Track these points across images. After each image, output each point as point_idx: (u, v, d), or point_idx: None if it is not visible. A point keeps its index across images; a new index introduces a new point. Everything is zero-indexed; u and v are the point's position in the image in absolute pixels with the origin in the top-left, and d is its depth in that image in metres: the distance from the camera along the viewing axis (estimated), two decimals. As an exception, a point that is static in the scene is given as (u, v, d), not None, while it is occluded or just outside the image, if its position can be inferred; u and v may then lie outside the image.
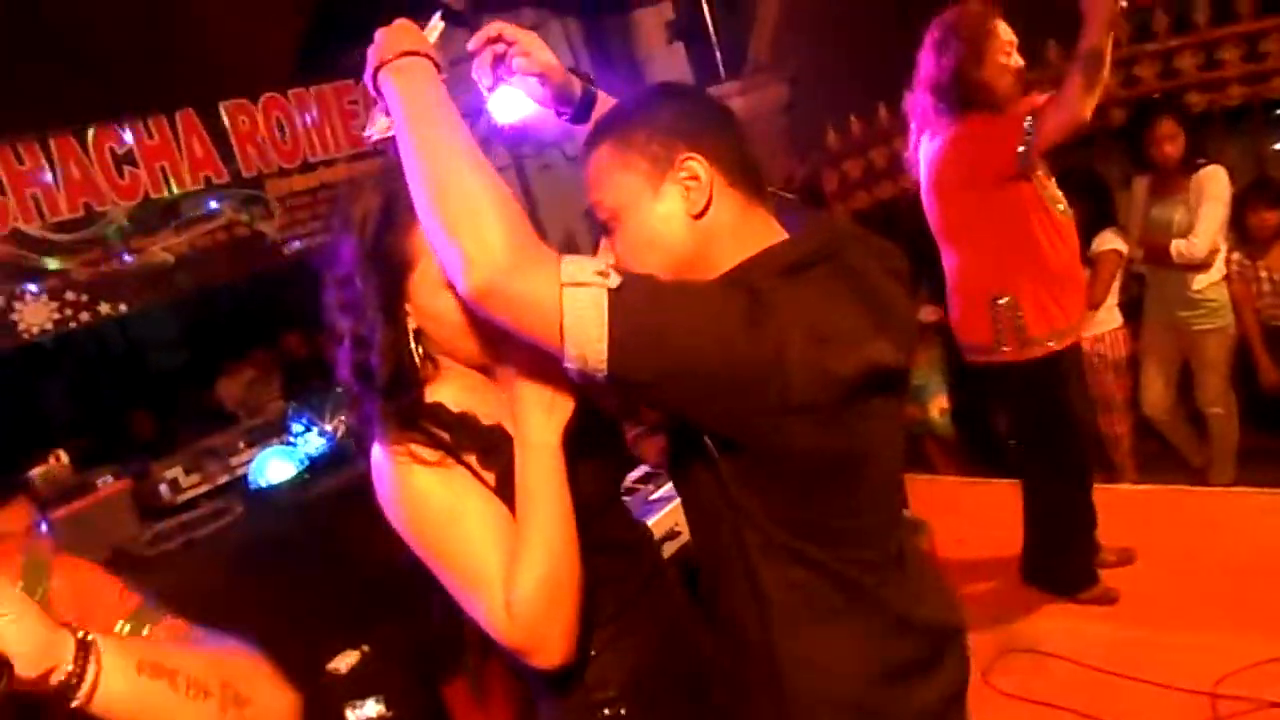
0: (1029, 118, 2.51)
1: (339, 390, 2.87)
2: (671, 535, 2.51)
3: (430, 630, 2.91)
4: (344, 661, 2.72)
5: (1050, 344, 2.72)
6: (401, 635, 2.86)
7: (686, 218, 1.21)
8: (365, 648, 2.75)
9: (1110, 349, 3.70)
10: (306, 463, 3.31)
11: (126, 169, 3.77)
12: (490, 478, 1.23)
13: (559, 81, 1.43)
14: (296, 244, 4.25)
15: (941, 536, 3.42)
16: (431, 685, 2.91)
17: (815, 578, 1.22)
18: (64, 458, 3.64)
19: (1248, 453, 3.67)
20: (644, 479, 2.81)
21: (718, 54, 4.79)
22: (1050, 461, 2.87)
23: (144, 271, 3.86)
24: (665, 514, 2.56)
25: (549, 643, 1.17)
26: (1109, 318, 3.70)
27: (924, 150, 2.75)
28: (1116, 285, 3.69)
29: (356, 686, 2.65)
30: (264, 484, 3.25)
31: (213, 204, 4.02)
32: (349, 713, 2.59)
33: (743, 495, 1.20)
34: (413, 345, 1.27)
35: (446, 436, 1.22)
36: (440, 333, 1.28)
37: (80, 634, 0.88)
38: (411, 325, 1.27)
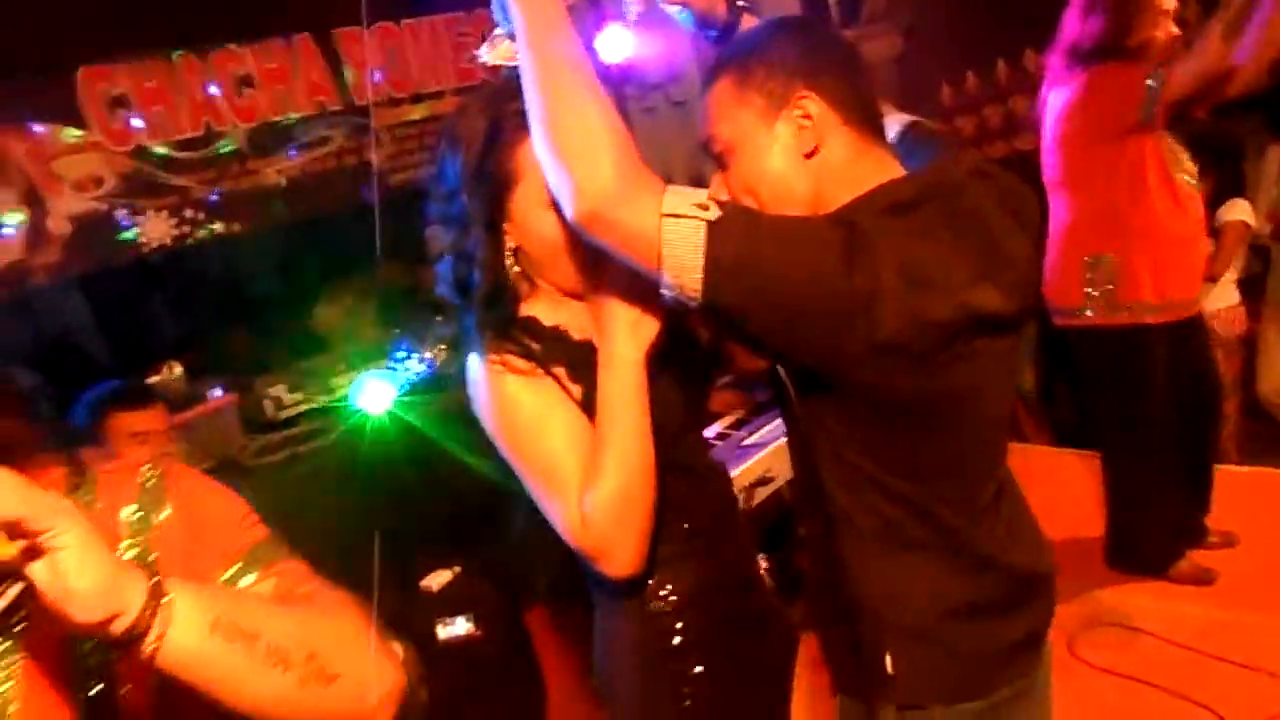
0: (1158, 65, 2.40)
1: (439, 319, 2.97)
2: (764, 481, 2.53)
3: (517, 556, 3.02)
4: (436, 580, 2.82)
5: (1144, 315, 2.62)
6: (491, 558, 2.95)
7: (798, 156, 1.22)
8: (457, 568, 2.85)
9: (1224, 326, 3.56)
10: (406, 387, 3.39)
11: (246, 91, 3.87)
12: (577, 391, 1.31)
13: (706, 3, 1.43)
14: (403, 174, 4.32)
15: (1032, 506, 3.38)
16: (516, 608, 3.00)
17: (899, 510, 1.25)
18: (178, 369, 3.79)
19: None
20: (737, 424, 2.82)
21: (830, 3, 4.67)
22: (1130, 439, 2.79)
23: (258, 193, 3.97)
24: (757, 460, 2.57)
25: (618, 551, 1.24)
26: (1226, 294, 3.56)
27: (1052, 99, 2.66)
28: (1238, 261, 3.53)
29: (447, 604, 2.74)
30: (364, 406, 3.34)
31: (325, 131, 4.10)
32: (439, 629, 2.69)
33: (831, 426, 1.22)
34: (510, 261, 1.31)
35: (537, 348, 1.30)
36: (537, 250, 1.33)
37: (154, 579, 0.76)
38: (510, 243, 1.32)
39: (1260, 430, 3.75)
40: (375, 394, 3.38)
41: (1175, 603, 2.78)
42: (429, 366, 3.34)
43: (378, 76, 4.20)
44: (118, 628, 0.73)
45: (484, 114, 1.33)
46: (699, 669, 1.38)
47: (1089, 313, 2.67)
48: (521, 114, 1.26)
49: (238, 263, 6.91)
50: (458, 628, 2.69)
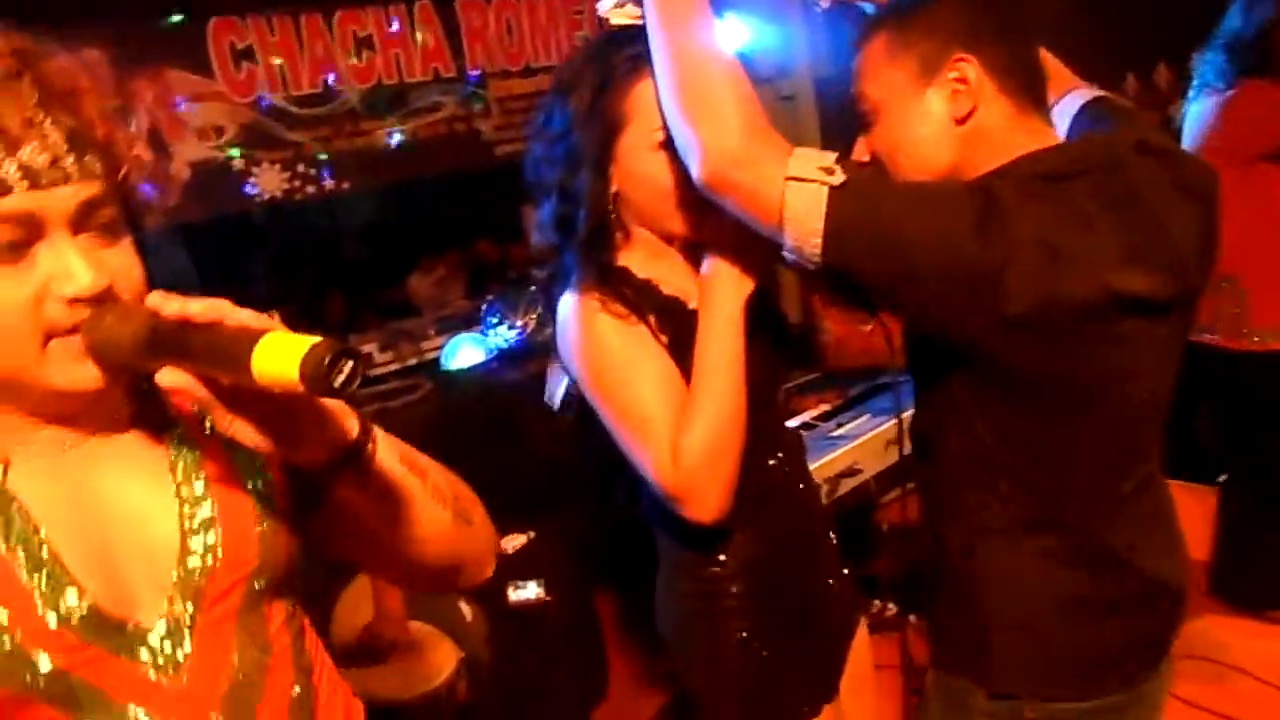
0: None
1: (532, 289, 3.01)
2: (851, 472, 2.48)
3: (590, 526, 3.02)
4: (511, 543, 2.84)
5: (1271, 342, 2.49)
6: (567, 526, 2.97)
7: (948, 121, 1.19)
8: (532, 533, 2.87)
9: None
10: (496, 352, 3.43)
11: (365, 52, 3.95)
12: (664, 340, 1.31)
13: None
14: (508, 146, 4.37)
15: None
16: (587, 580, 3.01)
17: (1023, 495, 1.20)
18: (277, 318, 3.90)
19: None
20: (826, 416, 2.77)
21: None
22: (1250, 468, 2.66)
23: (370, 154, 4.05)
24: (845, 450, 2.52)
25: (707, 495, 1.24)
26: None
27: (1194, 109, 2.54)
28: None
29: (520, 568, 2.76)
30: (454, 368, 3.40)
31: (437, 97, 4.17)
32: (510, 590, 2.70)
33: (961, 400, 1.18)
34: (610, 207, 1.32)
35: (630, 295, 1.31)
36: (642, 194, 1.32)
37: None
38: (613, 188, 1.31)
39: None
40: (465, 355, 3.45)
41: (1274, 642, 2.64)
42: (520, 334, 3.38)
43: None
44: (347, 439, 0.82)
45: (595, 60, 1.33)
46: (744, 634, 1.38)
47: (1214, 335, 2.55)
48: (633, 59, 1.27)
49: (342, 221, 7.11)
50: (529, 591, 2.70)
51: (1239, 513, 2.73)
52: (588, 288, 1.30)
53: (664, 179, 1.29)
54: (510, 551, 2.82)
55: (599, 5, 1.38)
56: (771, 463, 1.44)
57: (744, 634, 1.38)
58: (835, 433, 2.66)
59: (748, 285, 1.29)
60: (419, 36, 4.06)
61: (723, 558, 1.38)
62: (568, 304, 1.31)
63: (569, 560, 2.87)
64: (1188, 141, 2.56)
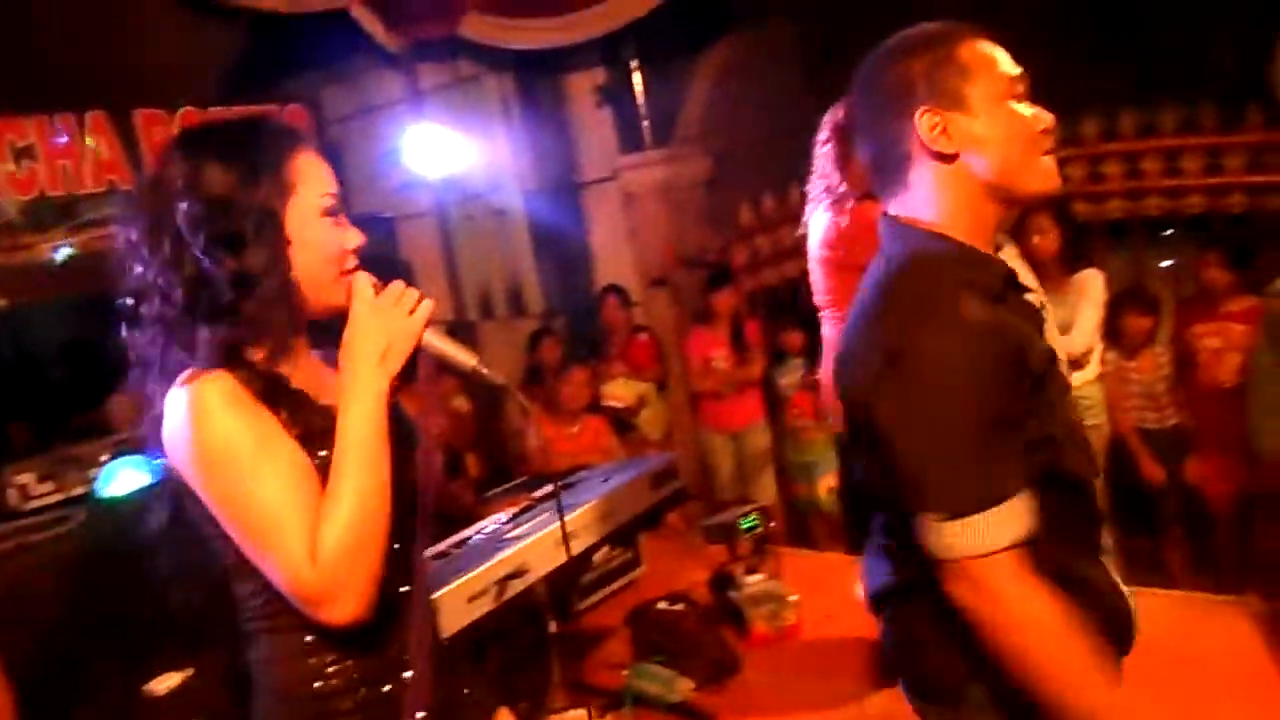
0: None
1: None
2: (518, 573, 2.45)
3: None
4: (163, 684, 2.59)
5: None
6: (232, 660, 2.74)
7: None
8: (190, 670, 2.63)
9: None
10: (162, 474, 3.18)
11: (25, 163, 3.70)
12: (295, 433, 1.20)
13: None
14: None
15: (810, 611, 3.41)
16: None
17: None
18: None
19: (1126, 552, 3.73)
20: (511, 519, 2.75)
21: (645, 122, 4.90)
22: None
23: (30, 268, 3.76)
24: (513, 552, 2.49)
25: (348, 593, 1.13)
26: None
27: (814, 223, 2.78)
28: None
29: (173, 712, 2.52)
30: (111, 494, 3.12)
31: (112, 209, 3.95)
32: (160, 736, 2.45)
33: None
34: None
35: (259, 385, 1.19)
36: (309, 263, 1.22)
37: None
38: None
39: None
40: (126, 480, 3.17)
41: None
42: (190, 454, 3.15)
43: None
44: None
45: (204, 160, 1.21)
46: None
47: None
48: (280, 134, 1.24)
49: (22, 348, 6.50)
50: (181, 735, 2.46)
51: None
52: (210, 373, 1.15)
53: (326, 245, 1.23)
54: (162, 693, 2.57)
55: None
56: (403, 590, 1.31)
57: None
58: (510, 534, 2.64)
59: (397, 360, 1.21)
60: (90, 147, 3.86)
61: (333, 680, 1.25)
62: (183, 392, 1.15)
63: (233, 699, 2.63)
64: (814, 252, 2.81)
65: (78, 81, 3.83)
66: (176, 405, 1.15)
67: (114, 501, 3.08)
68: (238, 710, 2.61)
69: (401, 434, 1.28)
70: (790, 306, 4.44)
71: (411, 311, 1.23)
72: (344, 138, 5.35)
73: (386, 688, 1.28)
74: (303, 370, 1.27)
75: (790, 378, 4.40)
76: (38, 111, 3.72)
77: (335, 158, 5.12)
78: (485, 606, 2.37)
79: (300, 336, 1.28)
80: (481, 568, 2.43)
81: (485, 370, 1.27)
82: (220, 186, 1.18)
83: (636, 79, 4.87)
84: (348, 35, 4.59)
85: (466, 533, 2.74)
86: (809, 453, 4.35)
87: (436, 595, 2.31)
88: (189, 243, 1.16)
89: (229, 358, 1.17)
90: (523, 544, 2.53)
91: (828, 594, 3.47)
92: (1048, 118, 1.20)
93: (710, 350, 4.47)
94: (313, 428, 1.21)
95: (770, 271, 4.44)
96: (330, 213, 1.23)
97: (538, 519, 2.71)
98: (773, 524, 3.62)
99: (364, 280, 1.24)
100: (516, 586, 2.46)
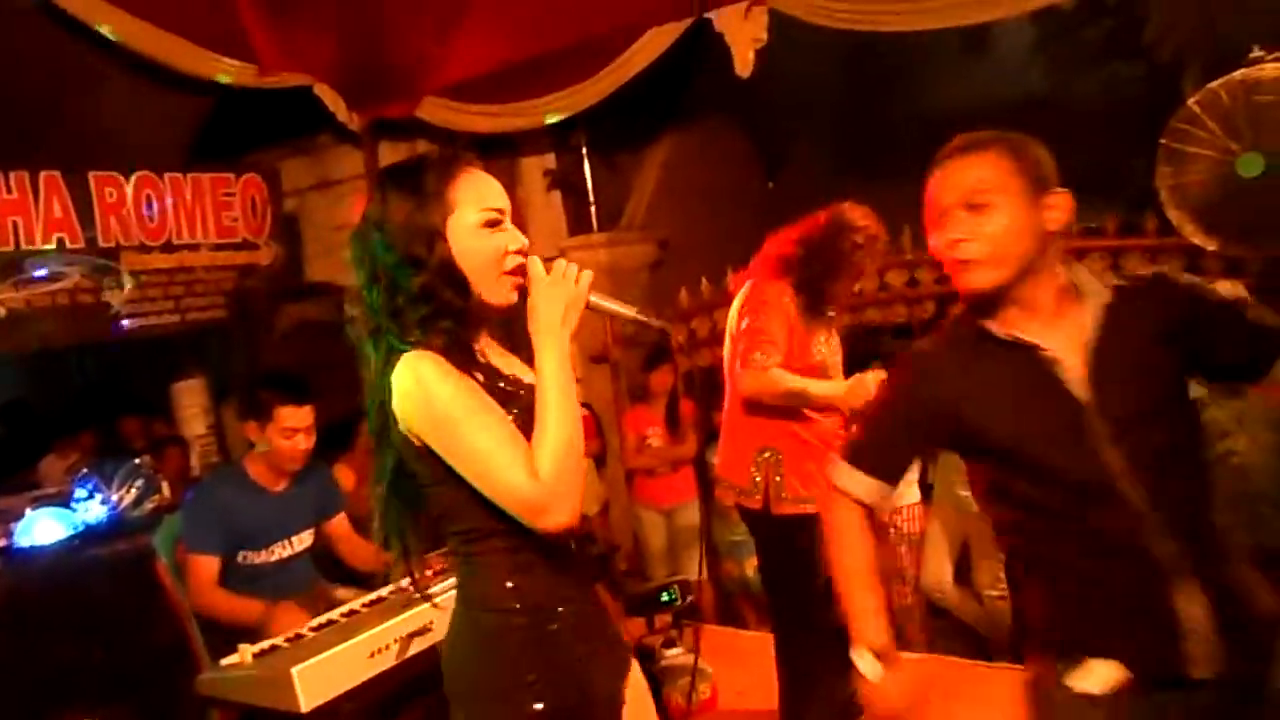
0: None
1: (135, 463, 2.93)
2: (422, 631, 2.48)
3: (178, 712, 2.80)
4: (64, 734, 2.58)
5: (803, 505, 2.78)
6: (145, 712, 2.73)
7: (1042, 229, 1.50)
8: (92, 721, 2.62)
9: (906, 522, 3.88)
10: (81, 529, 3.19)
11: (-24, 218, 3.78)
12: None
13: None
14: (142, 320, 4.25)
15: (726, 687, 3.45)
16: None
17: None
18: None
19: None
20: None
21: (593, 207, 5.08)
22: (796, 618, 2.93)
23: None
24: (422, 610, 2.52)
25: (564, 499, 1.37)
26: (908, 492, 3.89)
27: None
28: (917, 462, 3.89)
29: (71, 761, 2.50)
30: (28, 544, 3.11)
31: (61, 268, 4.02)
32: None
33: None
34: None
35: (459, 358, 1.45)
36: (472, 269, 1.46)
37: None
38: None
39: (940, 624, 4.01)
40: (44, 531, 3.18)
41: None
42: (111, 510, 3.17)
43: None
44: None
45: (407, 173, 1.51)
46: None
47: (757, 497, 2.84)
48: (443, 161, 1.49)
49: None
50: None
51: (792, 659, 2.97)
52: (423, 351, 1.41)
53: (488, 253, 1.45)
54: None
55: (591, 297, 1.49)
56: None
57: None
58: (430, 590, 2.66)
59: (576, 314, 1.44)
60: (43, 204, 3.94)
61: (519, 604, 1.47)
62: (408, 369, 1.40)
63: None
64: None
65: (34, 140, 3.94)
66: (403, 378, 1.40)
67: (30, 552, 3.08)
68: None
69: None
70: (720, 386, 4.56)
71: (576, 281, 1.46)
72: (302, 208, 5.49)
73: (575, 607, 1.53)
74: (488, 354, 1.52)
75: (722, 471, 4.48)
76: (-7, 168, 3.81)
77: (292, 228, 5.30)
78: (386, 663, 2.40)
79: (483, 327, 1.53)
80: (386, 624, 2.47)
81: (645, 317, 1.55)
82: (399, 215, 1.45)
83: (586, 166, 5.08)
84: (309, 111, 4.75)
85: (380, 591, 2.76)
86: (739, 532, 4.41)
87: (338, 649, 2.34)
88: (383, 264, 1.45)
89: (431, 342, 1.43)
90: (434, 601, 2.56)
91: (746, 670, 3.52)
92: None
93: (646, 427, 4.57)
94: (503, 393, 1.45)
95: (706, 352, 4.57)
96: (489, 224, 1.46)
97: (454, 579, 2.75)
98: (691, 598, 3.68)
99: (536, 263, 1.47)
100: (420, 644, 2.49)
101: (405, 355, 1.42)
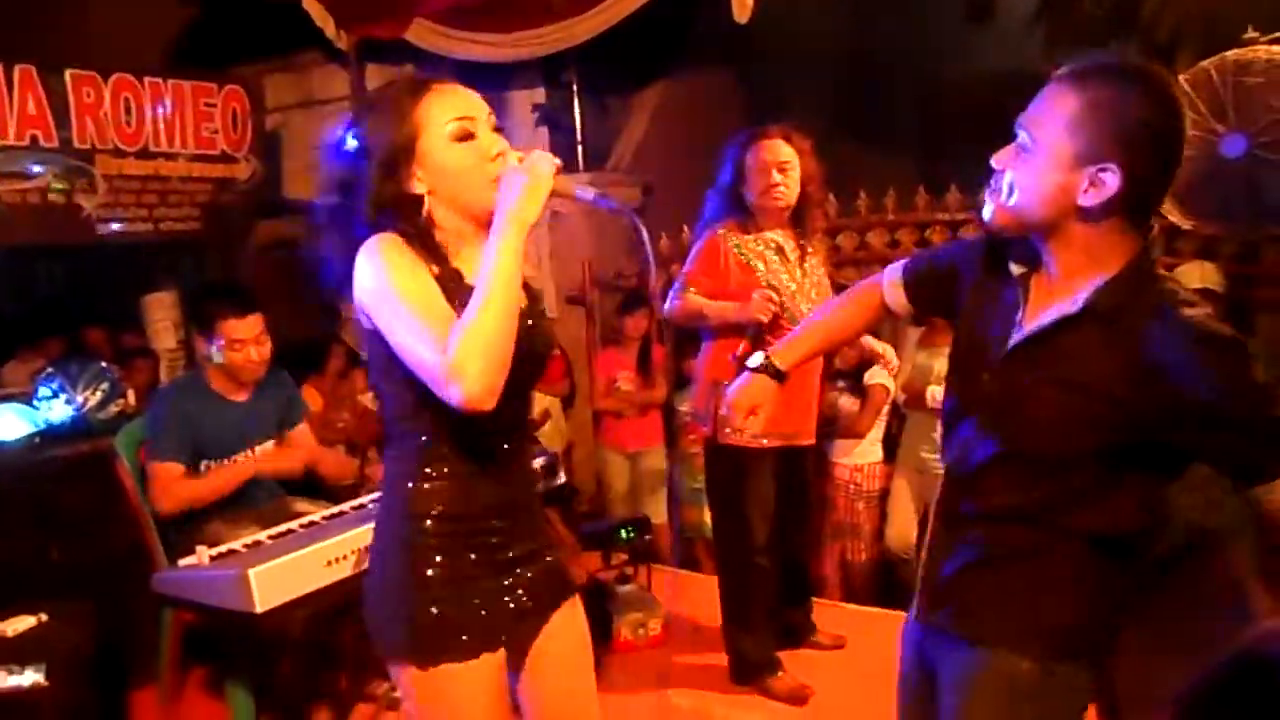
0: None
1: (101, 365, 2.92)
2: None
3: (125, 624, 2.81)
4: (14, 625, 2.58)
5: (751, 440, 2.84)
6: (92, 616, 2.74)
7: (1072, 203, 1.28)
8: (43, 616, 2.62)
9: (866, 479, 3.93)
10: (43, 427, 3.17)
11: (-51, 108, 3.69)
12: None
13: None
14: (114, 225, 4.19)
15: (676, 626, 3.51)
16: (115, 682, 2.78)
17: None
18: None
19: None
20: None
21: (579, 147, 5.04)
22: (732, 543, 3.02)
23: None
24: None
25: (471, 377, 1.34)
26: (871, 450, 3.94)
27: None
28: (882, 421, 3.94)
29: (20, 653, 2.51)
30: (-11, 437, 3.10)
31: (34, 166, 3.95)
32: (2, 675, 2.44)
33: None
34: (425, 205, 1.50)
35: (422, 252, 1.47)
36: (447, 184, 1.49)
37: None
38: (420, 187, 1.49)
39: (904, 579, 4.08)
40: (4, 426, 3.16)
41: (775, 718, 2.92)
42: (75, 410, 3.15)
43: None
44: None
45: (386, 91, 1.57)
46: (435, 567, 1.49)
47: (709, 425, 2.91)
48: (417, 83, 1.50)
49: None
50: (23, 678, 2.44)
51: (732, 588, 3.06)
52: (384, 233, 1.43)
53: (462, 164, 1.47)
54: (10, 635, 2.56)
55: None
56: (505, 446, 1.55)
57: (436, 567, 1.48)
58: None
59: (539, 200, 1.42)
60: (16, 100, 3.85)
61: (436, 508, 1.48)
62: (364, 247, 1.42)
63: (82, 647, 2.63)
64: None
65: (12, 34, 3.85)
66: (360, 258, 1.43)
67: (-9, 445, 3.07)
68: (85, 662, 2.62)
69: (534, 306, 1.60)
70: (698, 335, 4.57)
71: (542, 168, 1.44)
72: (285, 125, 5.40)
73: (502, 523, 1.55)
74: (459, 261, 1.51)
75: (690, 404, 4.52)
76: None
77: (274, 144, 5.22)
78: (342, 572, 2.42)
79: (467, 241, 1.53)
80: (344, 535, 2.49)
81: (607, 199, 1.55)
82: (372, 134, 1.49)
83: (576, 104, 5.03)
84: (297, 27, 4.66)
85: (342, 505, 2.77)
86: (701, 479, 4.45)
87: (294, 555, 2.37)
88: (362, 173, 1.48)
89: (398, 230, 1.45)
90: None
91: (696, 611, 3.58)
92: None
93: (617, 370, 4.59)
94: (454, 291, 1.45)
95: (682, 301, 4.58)
96: (461, 137, 1.46)
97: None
98: (649, 538, 3.73)
99: (511, 157, 1.48)
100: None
101: (368, 239, 1.45)
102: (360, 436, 4.64)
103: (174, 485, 2.70)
